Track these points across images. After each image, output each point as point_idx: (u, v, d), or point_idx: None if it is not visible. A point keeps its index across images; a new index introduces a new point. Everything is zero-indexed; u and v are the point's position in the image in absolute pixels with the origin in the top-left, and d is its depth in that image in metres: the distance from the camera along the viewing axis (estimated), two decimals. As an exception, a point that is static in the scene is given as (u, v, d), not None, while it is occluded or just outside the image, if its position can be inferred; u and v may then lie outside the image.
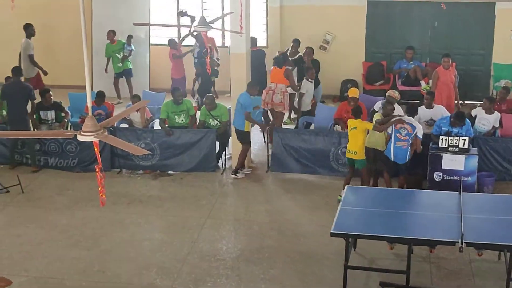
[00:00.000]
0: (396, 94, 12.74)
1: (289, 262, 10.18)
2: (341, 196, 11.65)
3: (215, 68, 16.21)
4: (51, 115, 13.87)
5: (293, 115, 15.53)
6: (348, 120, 12.07)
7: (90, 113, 6.15)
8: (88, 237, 10.97)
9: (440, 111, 12.98)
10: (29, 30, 16.39)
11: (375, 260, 10.17)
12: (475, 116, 13.05)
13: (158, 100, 14.94)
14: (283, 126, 14.61)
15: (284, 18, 17.62)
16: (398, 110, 12.26)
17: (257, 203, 12.29)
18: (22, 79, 14.55)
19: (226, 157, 13.77)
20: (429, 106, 13.01)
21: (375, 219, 9.56)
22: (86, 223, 11.45)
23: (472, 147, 12.06)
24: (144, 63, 18.21)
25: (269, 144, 14.01)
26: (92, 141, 6.08)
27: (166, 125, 13.43)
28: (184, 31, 17.12)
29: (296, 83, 14.67)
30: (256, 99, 13.23)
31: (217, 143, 13.47)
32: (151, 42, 18.24)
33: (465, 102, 16.61)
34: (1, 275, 8.94)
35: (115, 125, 13.37)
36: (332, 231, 9.13)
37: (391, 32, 17.57)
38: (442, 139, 11.91)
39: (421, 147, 11.62)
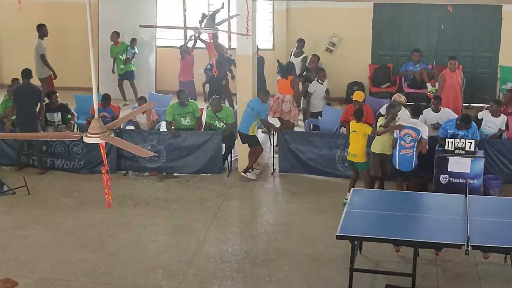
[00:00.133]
0: (401, 99, 12.71)
1: (295, 264, 10.18)
2: (346, 199, 11.67)
3: (227, 72, 16.15)
4: (57, 116, 13.90)
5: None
6: (350, 122, 12.09)
7: (96, 115, 6.16)
8: (94, 239, 10.98)
9: (446, 114, 12.95)
10: (42, 30, 16.48)
11: (381, 262, 10.16)
12: (482, 118, 13.01)
13: (164, 102, 14.95)
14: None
15: (290, 20, 17.62)
16: (405, 113, 12.23)
17: (263, 205, 12.31)
18: (36, 79, 14.61)
19: (232, 159, 13.77)
20: (436, 110, 12.97)
21: (381, 222, 9.56)
22: (92, 224, 11.47)
23: (478, 149, 12.03)
24: (149, 65, 18.22)
25: (275, 146, 14.02)
26: (98, 143, 6.09)
27: (172, 127, 13.44)
28: (190, 33, 17.14)
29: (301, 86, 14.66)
30: (266, 106, 13.20)
31: (223, 145, 13.47)
32: (157, 44, 18.25)
33: (472, 104, 16.59)
34: (7, 276, 8.96)
35: (121, 127, 13.40)
36: (338, 234, 9.14)
37: (397, 34, 17.55)
38: (448, 142, 11.90)
39: (427, 147, 11.57)
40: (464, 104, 15.29)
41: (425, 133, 11.48)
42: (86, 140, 6.03)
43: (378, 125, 11.98)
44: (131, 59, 17.51)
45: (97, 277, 9.90)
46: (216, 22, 11.23)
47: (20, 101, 13.41)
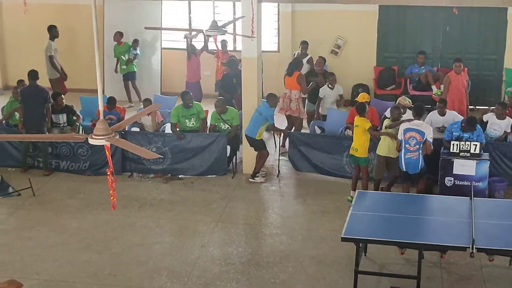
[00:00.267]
0: (406, 101, 12.70)
1: (300, 266, 10.18)
2: (351, 196, 11.75)
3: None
4: (62, 118, 13.92)
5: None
6: (355, 117, 12.14)
7: (101, 117, 6.17)
8: (99, 241, 11.00)
9: (452, 117, 12.89)
10: (52, 32, 16.53)
11: (385, 265, 10.16)
12: (487, 121, 13.00)
13: (169, 104, 14.96)
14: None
15: (295, 22, 17.61)
16: (410, 116, 12.21)
17: (267, 207, 12.31)
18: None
19: (237, 161, 13.77)
20: (442, 114, 12.93)
21: (386, 224, 9.55)
22: (97, 226, 11.49)
23: (484, 152, 12.01)
24: (154, 66, 18.24)
25: (280, 148, 14.04)
26: (103, 145, 6.10)
27: (177, 129, 13.45)
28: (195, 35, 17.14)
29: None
30: (273, 110, 13.19)
31: (228, 147, 13.47)
32: (162, 46, 18.27)
33: (477, 107, 16.57)
34: (12, 278, 8.97)
35: (126, 129, 13.41)
36: (342, 236, 9.14)
37: (402, 36, 17.53)
38: (453, 144, 11.88)
39: (432, 147, 11.54)
40: (469, 107, 15.25)
41: (429, 135, 11.45)
42: (91, 141, 6.04)
43: (384, 127, 11.99)
44: (133, 60, 17.52)
45: (102, 278, 9.92)
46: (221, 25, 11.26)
47: (27, 102, 13.44)
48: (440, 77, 16.02)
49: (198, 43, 16.98)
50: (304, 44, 16.30)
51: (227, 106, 13.59)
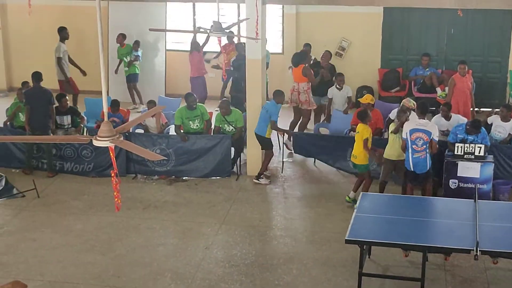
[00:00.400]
0: (410, 103, 12.68)
1: (304, 268, 10.17)
2: (349, 197, 11.75)
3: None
4: (67, 120, 13.94)
5: None
6: (358, 124, 12.14)
7: (106, 118, 6.17)
8: (103, 242, 11.01)
9: (457, 121, 12.81)
10: (62, 33, 16.59)
11: (389, 267, 10.15)
12: (491, 123, 12.98)
13: (174, 106, 14.97)
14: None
15: (300, 24, 17.61)
16: (414, 118, 12.19)
17: (271, 209, 12.30)
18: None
19: (241, 163, 13.77)
20: (447, 118, 12.88)
21: (390, 226, 9.55)
22: (101, 228, 11.49)
23: (488, 154, 11.99)
24: (159, 68, 18.25)
25: (284, 147, 14.06)
26: (107, 146, 6.10)
27: (181, 131, 13.46)
28: (199, 37, 17.16)
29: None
30: (279, 107, 13.21)
31: (232, 149, 13.47)
32: (167, 48, 18.29)
33: (481, 109, 16.55)
34: (16, 279, 8.98)
35: (130, 131, 13.42)
36: (346, 238, 9.14)
37: (407, 38, 17.53)
38: (457, 147, 11.86)
39: (437, 146, 11.51)
40: (475, 109, 15.24)
41: (435, 134, 11.38)
42: (96, 143, 6.04)
43: (389, 131, 11.99)
44: (134, 61, 17.51)
45: (106, 280, 9.92)
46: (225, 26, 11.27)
47: (31, 104, 13.46)
48: (444, 79, 16.01)
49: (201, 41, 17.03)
50: (307, 46, 16.30)
51: (232, 108, 13.59)
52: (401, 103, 12.93)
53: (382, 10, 17.18)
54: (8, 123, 14.18)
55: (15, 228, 11.57)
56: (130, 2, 17.05)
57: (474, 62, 16.82)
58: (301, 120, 14.82)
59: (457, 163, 11.84)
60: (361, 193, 10.90)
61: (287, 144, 14.21)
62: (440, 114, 13.04)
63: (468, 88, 14.58)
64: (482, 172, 11.77)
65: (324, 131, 14.93)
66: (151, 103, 14.06)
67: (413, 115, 12.17)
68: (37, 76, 13.66)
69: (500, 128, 12.83)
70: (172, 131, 13.93)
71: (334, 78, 15.14)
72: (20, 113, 13.97)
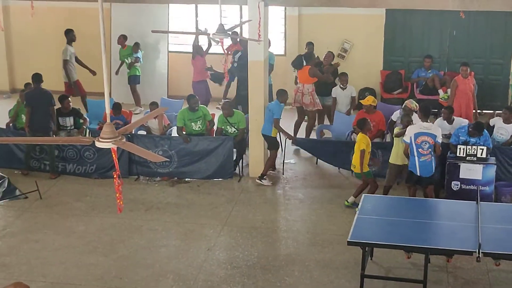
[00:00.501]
0: (412, 105, 12.68)
1: (306, 270, 10.17)
2: (348, 201, 11.76)
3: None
4: (69, 121, 13.95)
5: None
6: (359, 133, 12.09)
7: (108, 120, 6.18)
8: (106, 243, 11.01)
9: (459, 124, 12.79)
10: (69, 35, 16.61)
11: (391, 269, 10.15)
12: (493, 125, 12.97)
13: (176, 107, 14.97)
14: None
15: (302, 26, 17.62)
16: (416, 119, 12.19)
17: (274, 211, 12.30)
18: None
19: (243, 164, 13.77)
20: (449, 121, 12.86)
21: (392, 228, 9.55)
22: (103, 229, 11.50)
23: (490, 156, 11.99)
24: (159, 70, 18.26)
25: (285, 151, 14.06)
26: (110, 148, 6.11)
27: (184, 132, 13.47)
28: (201, 39, 17.18)
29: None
30: (282, 106, 13.21)
31: (234, 151, 13.48)
32: (169, 50, 18.30)
33: (483, 111, 16.54)
34: (19, 280, 8.98)
35: (133, 132, 13.43)
36: (349, 240, 9.14)
37: (409, 40, 17.53)
38: (460, 148, 11.85)
39: (440, 148, 11.51)
40: (477, 111, 15.23)
41: (439, 136, 11.38)
42: (98, 144, 6.05)
43: (394, 135, 12.02)
44: (134, 63, 17.51)
45: (108, 281, 9.93)
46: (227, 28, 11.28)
47: (32, 105, 13.46)
48: (447, 81, 16.01)
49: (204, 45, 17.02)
50: (310, 45, 16.33)
51: (234, 110, 13.60)
52: (404, 105, 12.95)
53: (384, 12, 17.18)
54: (10, 124, 14.21)
55: (17, 229, 11.58)
56: (132, 4, 17.06)
57: (476, 64, 16.81)
58: (307, 122, 14.84)
59: (459, 165, 11.83)
60: (364, 194, 10.89)
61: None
62: (442, 117, 13.01)
63: (470, 90, 14.58)
64: (484, 174, 11.76)
65: (326, 133, 14.96)
66: (154, 105, 14.06)
67: (415, 118, 12.17)
68: (37, 78, 13.68)
69: (502, 130, 12.82)
70: (174, 132, 13.94)
71: (337, 79, 15.16)
72: (22, 115, 13.98)
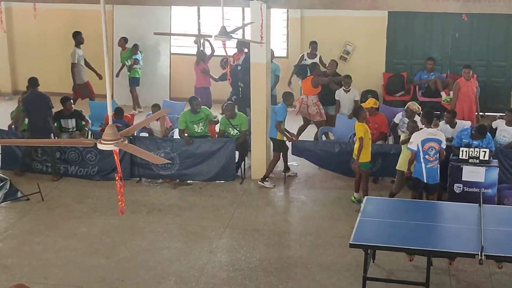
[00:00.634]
0: (415, 107, 12.66)
1: (308, 273, 10.16)
2: (354, 197, 11.73)
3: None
4: (71, 123, 13.95)
5: None
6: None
7: (110, 122, 6.17)
8: (107, 245, 11.01)
9: (462, 128, 12.77)
10: (77, 38, 16.64)
11: (394, 271, 10.13)
12: (496, 128, 12.96)
13: (178, 110, 14.96)
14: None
15: (304, 28, 17.62)
16: (418, 122, 12.18)
17: (276, 213, 12.29)
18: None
19: (245, 167, 13.76)
20: (452, 125, 12.83)
21: (394, 231, 9.53)
22: (105, 231, 11.50)
23: (493, 159, 11.97)
24: (161, 72, 18.26)
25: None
26: (112, 150, 6.10)
27: (185, 135, 13.46)
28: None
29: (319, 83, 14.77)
30: (285, 109, 13.21)
31: (237, 153, 13.47)
32: (171, 52, 18.30)
33: (486, 113, 16.52)
34: (20, 282, 8.99)
35: (135, 134, 13.43)
36: (351, 242, 9.14)
37: (411, 42, 17.52)
38: (462, 151, 11.83)
39: (444, 153, 11.48)
40: (479, 113, 15.22)
41: (444, 141, 11.39)
42: (100, 146, 6.05)
43: (400, 142, 12.03)
44: (134, 65, 17.50)
45: (110, 283, 9.92)
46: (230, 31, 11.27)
47: (29, 109, 13.49)
48: (449, 84, 15.98)
49: (208, 50, 17.01)
50: (314, 44, 16.34)
51: (236, 112, 13.60)
52: (406, 107, 12.95)
53: (387, 14, 17.17)
54: (12, 126, 14.21)
55: (19, 231, 11.59)
56: (135, 6, 17.07)
57: (478, 66, 16.81)
58: (315, 133, 14.74)
59: (462, 168, 11.82)
60: (365, 197, 10.89)
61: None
62: (444, 121, 12.99)
63: (472, 92, 14.57)
64: (487, 176, 11.75)
65: (330, 135, 14.94)
66: (156, 107, 14.05)
67: (417, 121, 12.15)
68: (33, 82, 13.77)
69: (505, 132, 12.80)
70: (176, 134, 13.93)
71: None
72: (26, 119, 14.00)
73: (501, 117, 13.29)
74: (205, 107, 14.01)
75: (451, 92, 15.18)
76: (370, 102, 13.20)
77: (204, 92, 16.25)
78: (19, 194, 12.69)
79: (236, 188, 13.20)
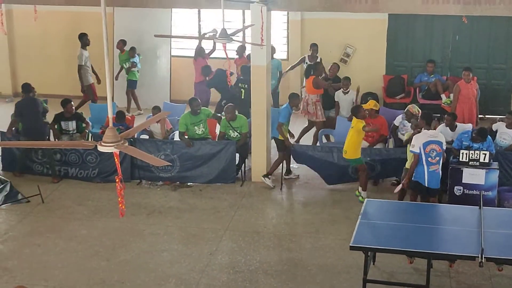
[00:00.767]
0: (415, 110, 12.66)
1: (308, 275, 10.16)
2: (358, 191, 11.97)
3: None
4: (72, 125, 13.96)
5: None
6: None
7: (111, 124, 6.18)
8: (108, 248, 11.01)
9: (462, 131, 12.76)
10: (83, 40, 16.65)
11: (394, 274, 10.13)
12: (496, 130, 12.96)
13: (179, 112, 14.95)
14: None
15: (305, 31, 17.63)
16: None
17: (276, 216, 12.29)
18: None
19: (246, 169, 13.76)
20: (452, 128, 12.82)
21: (395, 233, 9.54)
22: (105, 233, 11.50)
23: (493, 161, 11.97)
24: (162, 74, 18.27)
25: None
26: (112, 152, 6.11)
27: (186, 137, 13.47)
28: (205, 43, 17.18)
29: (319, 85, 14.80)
30: (289, 111, 13.25)
31: (237, 155, 13.47)
32: (172, 54, 18.31)
33: (486, 116, 16.53)
34: (21, 284, 8.99)
35: (135, 136, 13.43)
36: (351, 245, 9.14)
37: (412, 45, 17.52)
38: (462, 153, 11.83)
39: (445, 155, 11.48)
40: (479, 116, 15.21)
41: (444, 143, 11.37)
42: (100, 149, 6.04)
43: (404, 142, 12.04)
44: (131, 68, 17.49)
45: (110, 285, 9.93)
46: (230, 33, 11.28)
47: (23, 114, 13.57)
48: (449, 86, 15.99)
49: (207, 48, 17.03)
50: (314, 46, 16.37)
51: (237, 114, 13.60)
52: (406, 109, 12.95)
53: (387, 16, 17.18)
54: (13, 128, 14.21)
55: (19, 233, 11.59)
56: (135, 8, 17.08)
57: (478, 69, 16.80)
58: (314, 132, 14.87)
59: (462, 170, 11.81)
60: (366, 199, 10.89)
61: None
62: (444, 123, 12.97)
63: (473, 95, 14.58)
64: (487, 179, 11.74)
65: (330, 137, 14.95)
66: (156, 109, 14.06)
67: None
68: (26, 88, 13.92)
69: (505, 135, 12.80)
70: (176, 136, 13.93)
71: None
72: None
73: (501, 120, 13.29)
74: (205, 108, 14.02)
75: (451, 95, 15.20)
76: (371, 104, 13.21)
77: (203, 87, 16.26)
78: (19, 196, 12.70)
79: (237, 190, 13.20)
